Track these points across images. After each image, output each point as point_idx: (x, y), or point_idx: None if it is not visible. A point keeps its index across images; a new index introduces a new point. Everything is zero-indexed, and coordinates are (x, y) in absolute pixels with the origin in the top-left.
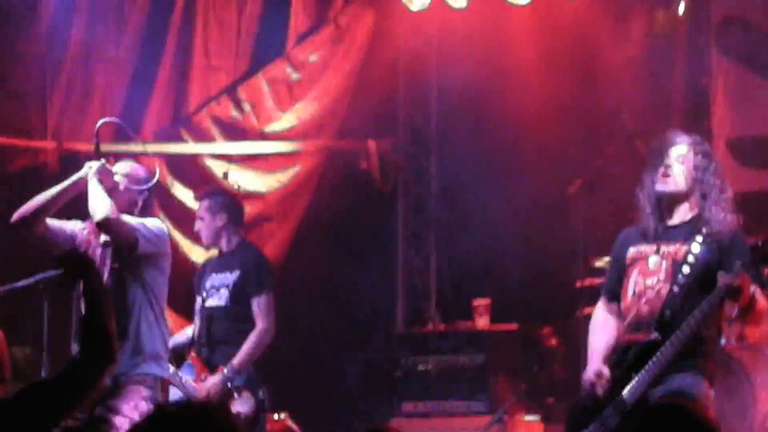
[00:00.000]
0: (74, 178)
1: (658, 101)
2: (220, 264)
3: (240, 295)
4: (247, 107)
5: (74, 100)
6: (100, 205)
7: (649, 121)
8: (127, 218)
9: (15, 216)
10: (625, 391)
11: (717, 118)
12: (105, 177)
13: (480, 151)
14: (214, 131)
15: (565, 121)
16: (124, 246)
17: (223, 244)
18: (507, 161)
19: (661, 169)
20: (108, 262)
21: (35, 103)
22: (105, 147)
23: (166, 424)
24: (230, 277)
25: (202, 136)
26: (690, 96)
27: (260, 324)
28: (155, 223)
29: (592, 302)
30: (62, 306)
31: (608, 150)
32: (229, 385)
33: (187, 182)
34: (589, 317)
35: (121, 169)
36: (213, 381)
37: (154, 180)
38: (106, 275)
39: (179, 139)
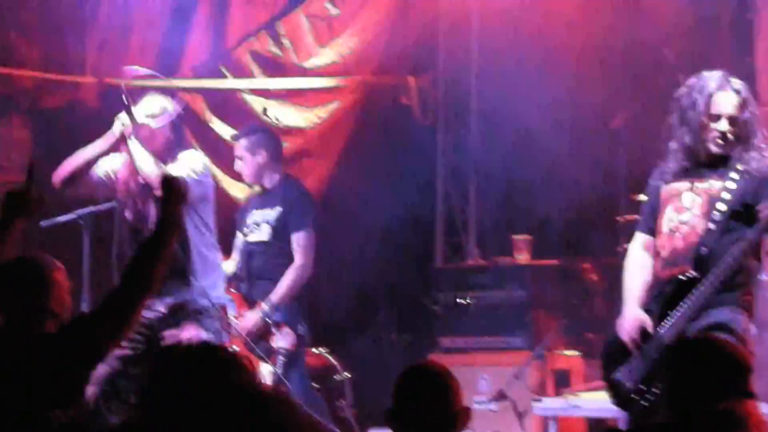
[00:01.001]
0: (108, 137)
1: (701, 36)
2: (262, 200)
3: (281, 231)
4: (286, 42)
5: (113, 36)
6: (145, 168)
7: (692, 55)
8: (171, 169)
9: (54, 179)
10: (662, 328)
11: (761, 53)
12: (139, 130)
13: (522, 85)
14: (253, 66)
15: (608, 55)
16: None
17: (266, 181)
18: (549, 96)
19: (716, 134)
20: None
21: (73, 39)
22: (142, 82)
23: (171, 363)
24: (271, 213)
25: (241, 72)
26: (734, 31)
27: (299, 260)
28: (195, 162)
29: (633, 238)
30: (101, 241)
31: (651, 84)
32: (267, 320)
33: (225, 118)
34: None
35: (145, 110)
36: (252, 316)
37: (180, 109)
38: (153, 213)
39: (218, 74)
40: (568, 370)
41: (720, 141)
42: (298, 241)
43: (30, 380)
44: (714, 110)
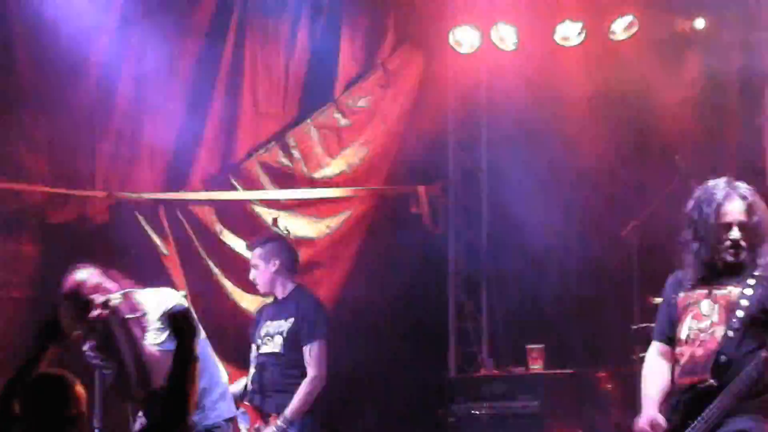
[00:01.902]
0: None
1: (712, 142)
2: (275, 311)
3: (293, 343)
4: (296, 153)
5: (123, 150)
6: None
7: (703, 161)
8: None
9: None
10: None
11: None
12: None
13: (531, 192)
14: (264, 178)
15: (618, 163)
16: None
17: (278, 290)
18: (559, 204)
19: (728, 243)
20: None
21: (84, 154)
22: (152, 195)
23: None
24: (284, 324)
25: (252, 183)
26: (744, 136)
27: (312, 372)
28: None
29: (648, 345)
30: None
31: (662, 191)
32: None
33: (236, 229)
34: (643, 361)
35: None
36: None
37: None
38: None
39: (228, 186)
40: None
41: (733, 250)
42: (311, 352)
43: None
44: (724, 220)
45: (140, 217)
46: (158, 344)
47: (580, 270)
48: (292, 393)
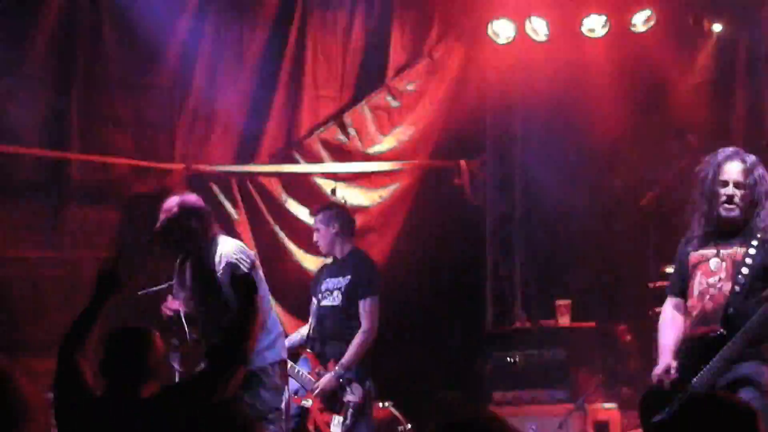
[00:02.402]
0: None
1: (720, 121)
2: (334, 269)
3: (350, 297)
4: (352, 132)
5: (199, 126)
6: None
7: (713, 139)
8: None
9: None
10: (695, 380)
11: None
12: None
13: (560, 168)
14: (323, 153)
15: (638, 141)
16: None
17: (337, 251)
18: (585, 177)
19: (723, 198)
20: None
21: (164, 130)
22: (225, 168)
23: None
24: (342, 281)
25: (313, 158)
26: (750, 116)
27: (365, 324)
28: (230, 246)
29: (662, 302)
30: None
31: (677, 166)
32: (340, 380)
33: (299, 198)
34: (658, 316)
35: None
36: (327, 377)
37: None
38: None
39: (292, 160)
40: (606, 421)
41: (727, 205)
42: (365, 306)
43: None
44: (722, 177)
45: (214, 187)
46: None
47: (603, 235)
48: (348, 342)
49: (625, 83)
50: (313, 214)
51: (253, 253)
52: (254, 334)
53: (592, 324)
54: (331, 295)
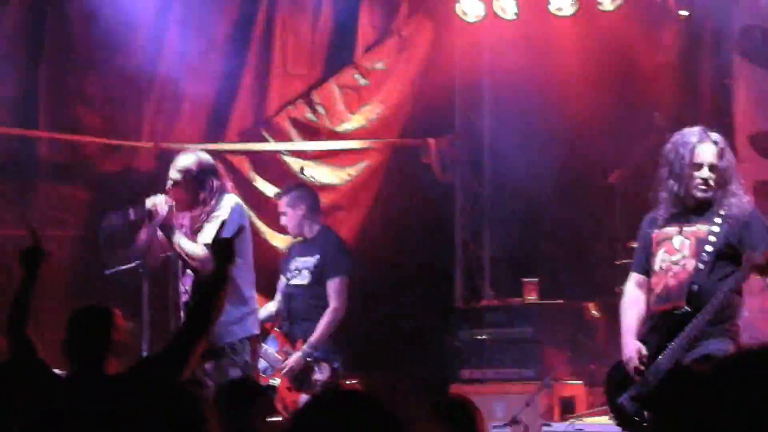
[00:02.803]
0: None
1: (687, 101)
2: (303, 248)
3: (319, 277)
4: (320, 110)
5: (167, 105)
6: (189, 260)
7: (679, 118)
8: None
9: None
10: (660, 357)
11: (739, 115)
12: (160, 214)
13: (529, 146)
14: (292, 131)
15: (606, 119)
16: None
17: (306, 231)
18: (554, 155)
19: (699, 180)
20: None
21: (132, 109)
22: (194, 146)
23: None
24: (311, 260)
25: (281, 136)
26: (715, 96)
27: (333, 303)
28: (230, 202)
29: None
30: (159, 286)
31: (644, 144)
32: (308, 359)
33: (268, 177)
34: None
35: (175, 166)
36: (295, 356)
37: (204, 165)
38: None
39: (261, 138)
40: (573, 398)
41: (702, 187)
42: (334, 286)
43: (103, 419)
44: (696, 160)
45: None
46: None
47: (572, 212)
48: (316, 321)
49: (592, 62)
50: (278, 196)
51: (247, 216)
52: (220, 306)
53: (560, 301)
54: (300, 274)
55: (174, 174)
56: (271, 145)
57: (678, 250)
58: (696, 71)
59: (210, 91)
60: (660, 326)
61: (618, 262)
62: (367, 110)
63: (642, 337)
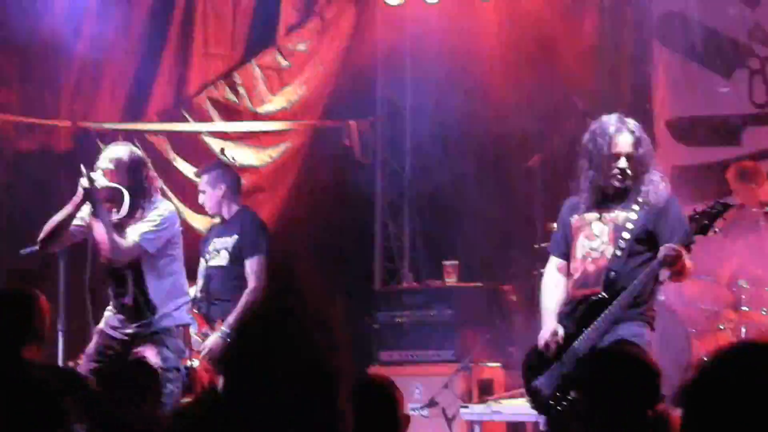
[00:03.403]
0: (74, 200)
1: (607, 86)
2: (221, 229)
3: (237, 257)
4: (241, 91)
5: (86, 84)
6: (104, 248)
7: (599, 102)
8: (129, 234)
9: (40, 238)
10: (577, 342)
11: (658, 101)
12: (97, 191)
13: (449, 129)
14: (212, 112)
15: (527, 103)
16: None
17: (225, 211)
18: (474, 138)
19: (616, 171)
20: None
21: (49, 87)
22: (113, 126)
23: None
24: (229, 240)
25: (202, 117)
26: (635, 82)
27: (252, 283)
28: (154, 217)
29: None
30: (76, 266)
31: (564, 128)
32: (227, 339)
33: (188, 157)
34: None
35: (107, 156)
36: (213, 337)
37: (137, 156)
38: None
39: (181, 118)
40: (491, 380)
41: (620, 176)
42: (252, 266)
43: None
44: (614, 150)
45: (101, 145)
46: None
47: (492, 196)
48: (235, 302)
49: (514, 46)
50: (197, 174)
51: (177, 222)
52: None
53: (479, 284)
54: (218, 255)
55: (105, 163)
56: (192, 126)
57: (597, 236)
58: (616, 57)
59: (130, 70)
60: (577, 311)
61: (537, 246)
62: (289, 92)
63: (560, 321)
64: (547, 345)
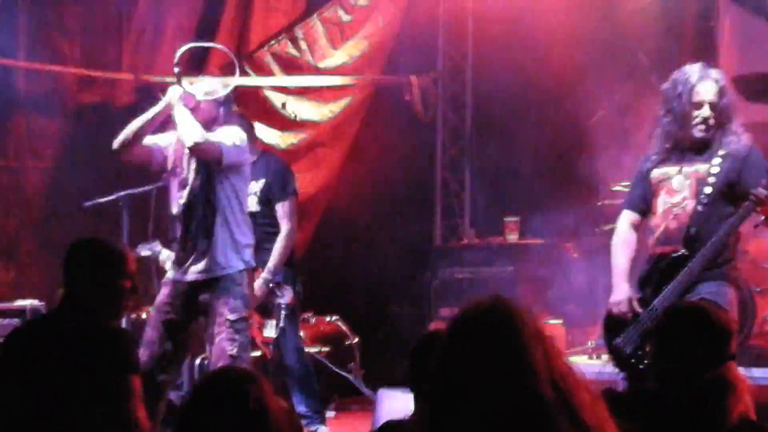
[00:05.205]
0: (162, 103)
1: (670, 42)
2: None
3: (265, 201)
4: (303, 45)
5: (148, 38)
6: (188, 131)
7: (663, 59)
8: (211, 136)
9: (114, 143)
10: (657, 300)
11: (723, 57)
12: (188, 100)
13: (511, 84)
14: (274, 66)
15: (590, 59)
16: (211, 161)
17: None
18: (536, 94)
19: (699, 119)
20: (195, 167)
21: (112, 40)
22: (174, 79)
23: None
24: (256, 185)
25: (263, 71)
26: (699, 37)
27: (286, 226)
28: (235, 135)
29: (610, 221)
30: (139, 218)
31: (627, 84)
32: (269, 284)
33: (249, 112)
34: (606, 234)
35: (201, 88)
36: (256, 284)
37: (229, 90)
38: (194, 180)
39: (242, 73)
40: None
41: (702, 126)
42: (284, 209)
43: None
44: (696, 98)
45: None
46: None
47: (553, 152)
48: (269, 245)
49: (575, 7)
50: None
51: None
52: None
53: (540, 241)
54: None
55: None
56: (253, 80)
57: (678, 191)
58: (680, 12)
59: (191, 24)
60: (659, 269)
61: (599, 203)
62: (350, 46)
63: (640, 280)
64: (621, 305)
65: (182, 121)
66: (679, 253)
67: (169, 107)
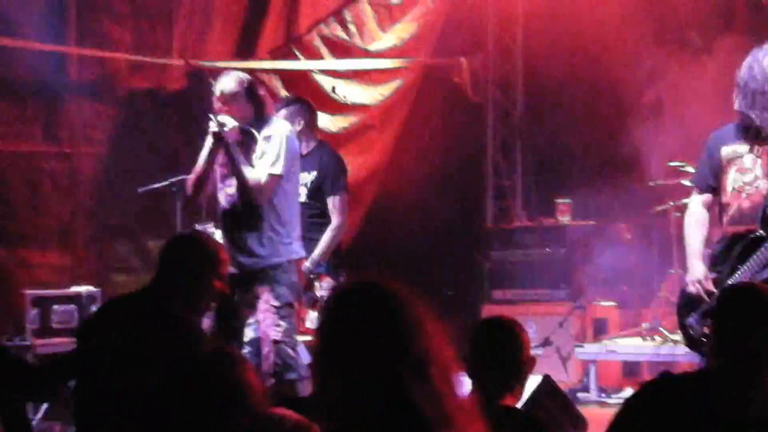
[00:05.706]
0: (208, 148)
1: (720, 19)
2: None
3: (316, 193)
4: (352, 28)
5: (197, 21)
6: (243, 179)
7: (714, 37)
8: (259, 167)
9: (187, 190)
10: (731, 280)
11: None
12: (231, 135)
13: (562, 65)
14: (323, 50)
15: (640, 37)
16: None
17: (303, 147)
18: (586, 74)
19: None
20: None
21: (162, 24)
22: (224, 64)
23: None
24: (308, 177)
25: (312, 54)
26: (750, 15)
27: (336, 220)
28: (286, 126)
29: (662, 201)
30: (191, 201)
31: (677, 63)
32: (311, 275)
33: (298, 95)
34: (659, 215)
35: (221, 87)
36: None
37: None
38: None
39: (292, 56)
40: (605, 319)
41: None
42: (334, 203)
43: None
44: None
45: (214, 84)
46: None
47: (604, 133)
48: (317, 239)
49: None
50: (276, 109)
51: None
52: None
53: (593, 222)
54: None
55: (222, 101)
56: (302, 64)
57: (750, 169)
58: None
59: (240, 8)
60: (733, 249)
61: (652, 183)
62: (399, 29)
63: (713, 259)
64: (696, 284)
65: (233, 167)
66: (756, 234)
67: (216, 148)
